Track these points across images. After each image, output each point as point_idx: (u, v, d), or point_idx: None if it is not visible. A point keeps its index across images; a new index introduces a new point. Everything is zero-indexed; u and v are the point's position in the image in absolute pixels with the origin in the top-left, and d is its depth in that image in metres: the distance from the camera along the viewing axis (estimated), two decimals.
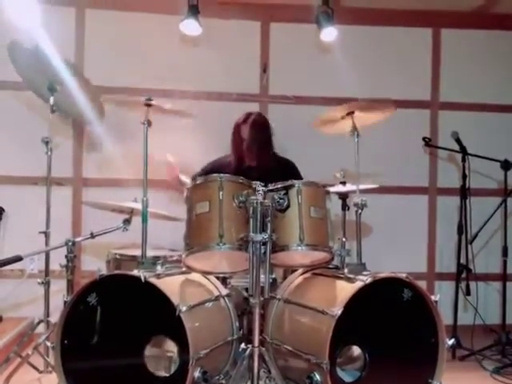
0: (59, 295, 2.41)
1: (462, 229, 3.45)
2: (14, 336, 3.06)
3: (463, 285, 3.45)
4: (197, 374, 2.03)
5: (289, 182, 2.21)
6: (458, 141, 3.43)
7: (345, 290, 2.14)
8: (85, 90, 2.78)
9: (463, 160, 3.45)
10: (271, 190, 2.17)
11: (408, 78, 3.94)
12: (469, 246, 3.46)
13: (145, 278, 2.07)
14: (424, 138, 3.63)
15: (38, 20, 3.23)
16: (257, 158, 3.15)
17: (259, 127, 3.17)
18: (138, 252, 2.50)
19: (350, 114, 2.54)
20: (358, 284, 2.11)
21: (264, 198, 2.09)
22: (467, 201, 3.46)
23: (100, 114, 2.88)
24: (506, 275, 3.46)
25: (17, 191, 3.62)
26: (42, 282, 2.77)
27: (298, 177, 3.10)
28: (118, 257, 2.66)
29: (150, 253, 2.50)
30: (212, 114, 3.53)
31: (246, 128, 3.14)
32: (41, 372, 2.77)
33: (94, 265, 2.25)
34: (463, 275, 3.47)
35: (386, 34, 3.98)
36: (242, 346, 2.15)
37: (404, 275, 2.19)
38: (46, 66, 2.71)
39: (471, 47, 4.02)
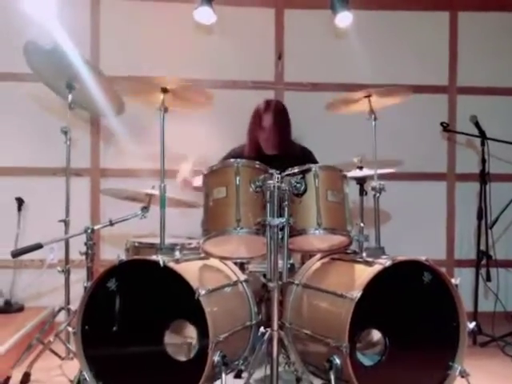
0: (79, 284, 2.45)
1: (481, 214, 3.41)
2: (35, 324, 3.11)
3: (483, 271, 3.41)
4: (216, 357, 2.03)
5: (306, 166, 2.20)
6: (477, 125, 3.39)
7: (364, 273, 2.13)
8: (103, 87, 2.78)
9: (482, 144, 3.41)
10: (288, 175, 2.16)
11: (425, 62, 3.88)
12: (489, 233, 3.42)
13: (164, 262, 2.09)
14: (442, 123, 3.59)
15: (53, 11, 3.26)
16: (277, 147, 3.13)
17: (280, 116, 3.14)
18: (156, 240, 2.51)
19: (368, 96, 2.51)
20: (377, 267, 2.10)
21: (281, 183, 2.08)
22: (487, 186, 3.41)
23: (119, 108, 2.89)
24: None
25: (36, 182, 3.67)
26: (62, 270, 2.80)
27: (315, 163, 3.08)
28: (136, 244, 2.67)
29: (169, 240, 2.51)
30: (227, 102, 3.51)
31: (268, 116, 3.09)
32: (63, 358, 2.80)
33: (113, 254, 2.25)
34: (483, 262, 3.43)
35: (402, 18, 3.92)
36: (261, 330, 2.15)
37: (424, 258, 2.17)
38: (64, 64, 2.71)
39: (489, 30, 3.95)
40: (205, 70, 3.67)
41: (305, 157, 3.14)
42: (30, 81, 3.21)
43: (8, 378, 2.54)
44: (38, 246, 2.48)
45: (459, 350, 2.21)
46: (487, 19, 3.96)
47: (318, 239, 2.28)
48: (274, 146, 3.13)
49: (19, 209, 3.59)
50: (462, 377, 2.20)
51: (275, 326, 2.02)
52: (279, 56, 3.79)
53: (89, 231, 2.54)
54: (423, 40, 3.92)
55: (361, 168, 2.71)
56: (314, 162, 3.14)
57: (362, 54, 3.56)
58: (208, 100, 2.57)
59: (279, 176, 2.11)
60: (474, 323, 2.27)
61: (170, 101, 2.47)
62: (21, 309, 3.47)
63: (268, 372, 2.08)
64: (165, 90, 2.42)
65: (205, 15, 3.27)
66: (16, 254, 2.49)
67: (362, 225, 2.51)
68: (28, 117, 3.67)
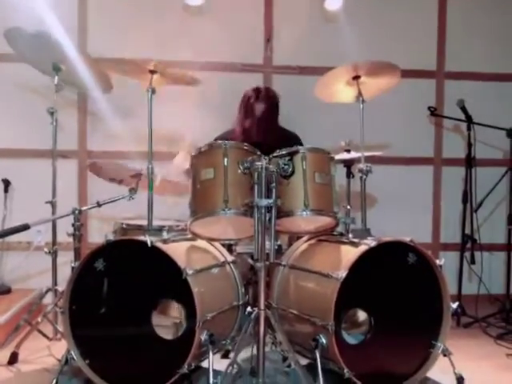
0: (66, 267, 2.45)
1: (466, 198, 3.45)
2: (23, 305, 3.11)
3: (468, 255, 3.46)
4: (203, 336, 2.06)
5: (293, 148, 2.21)
6: (464, 109, 3.41)
7: (349, 253, 2.16)
8: (90, 67, 2.76)
9: (468, 129, 3.44)
10: (276, 157, 2.17)
11: (414, 47, 3.90)
12: (474, 217, 3.47)
13: (151, 242, 2.09)
14: (429, 108, 3.61)
15: None
16: (265, 134, 3.14)
17: (271, 104, 3.16)
18: (144, 222, 2.52)
19: (356, 78, 2.52)
20: (363, 247, 2.12)
21: (269, 164, 2.09)
22: (472, 170, 3.45)
23: (107, 86, 2.87)
24: (511, 245, 3.45)
25: (22, 164, 3.65)
26: (50, 252, 2.80)
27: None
28: (124, 226, 2.65)
29: (156, 223, 2.52)
30: (216, 84, 3.51)
31: (259, 106, 3.11)
32: (50, 339, 2.81)
33: (100, 237, 2.26)
34: (468, 245, 3.49)
35: (391, 2, 3.93)
36: (248, 309, 2.17)
37: (408, 239, 2.20)
38: (50, 47, 2.69)
39: (478, 15, 3.97)
40: (194, 52, 3.64)
41: (290, 141, 3.15)
42: (14, 61, 3.18)
43: None
44: (25, 227, 2.46)
45: (442, 329, 2.25)
46: (476, 4, 3.98)
47: (305, 221, 2.30)
48: (264, 133, 3.13)
49: (6, 190, 3.58)
50: (445, 355, 2.25)
51: (262, 306, 2.04)
52: (268, 39, 3.78)
53: (76, 212, 2.53)
54: (412, 25, 3.93)
55: (348, 151, 2.73)
56: (298, 141, 3.16)
57: (351, 38, 3.56)
58: (194, 81, 2.57)
59: (267, 158, 2.12)
60: (457, 303, 2.32)
61: (158, 80, 2.47)
62: (8, 291, 3.47)
63: (255, 351, 2.10)
64: (152, 72, 2.42)
65: None
66: (3, 234, 2.49)
67: (348, 207, 2.54)
68: (14, 98, 3.63)
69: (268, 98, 3.14)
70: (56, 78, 2.77)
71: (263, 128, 3.12)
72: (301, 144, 3.16)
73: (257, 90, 3.17)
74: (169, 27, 3.69)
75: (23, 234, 2.53)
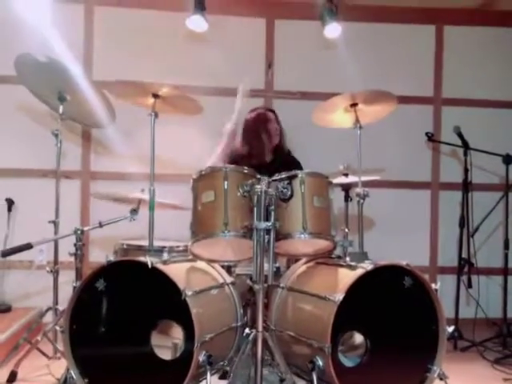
0: (67, 286, 2.49)
1: (463, 222, 3.50)
2: (23, 324, 3.13)
3: (465, 278, 3.49)
4: (202, 357, 2.07)
5: (292, 172, 2.26)
6: (460, 135, 3.48)
7: (346, 276, 2.19)
8: (96, 97, 2.83)
9: (465, 154, 3.50)
10: (275, 180, 2.22)
11: (411, 74, 3.99)
12: (471, 241, 3.51)
13: (152, 263, 2.13)
14: (427, 133, 3.68)
15: (47, 20, 3.31)
16: (273, 152, 3.24)
17: (279, 124, 3.30)
18: (144, 242, 2.56)
19: (354, 105, 2.59)
20: (360, 271, 2.16)
21: (268, 188, 2.14)
22: (469, 195, 3.50)
23: (111, 118, 2.94)
24: (508, 269, 3.48)
25: (26, 184, 3.70)
26: (51, 271, 2.84)
27: None
28: (125, 247, 2.69)
29: (157, 243, 2.56)
30: (218, 108, 3.56)
31: (273, 121, 3.27)
32: (50, 358, 2.83)
33: (102, 257, 2.29)
34: (465, 269, 3.51)
35: (390, 30, 4.03)
36: (246, 330, 2.20)
37: (405, 263, 2.23)
38: (57, 76, 2.76)
39: (474, 44, 4.07)
40: (196, 77, 3.73)
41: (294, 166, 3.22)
42: (19, 83, 3.25)
43: None
44: (28, 246, 2.51)
45: (438, 352, 2.27)
46: (472, 33, 4.08)
47: (303, 243, 2.34)
48: (272, 151, 3.24)
49: (9, 209, 3.62)
50: (441, 379, 2.26)
51: (260, 327, 2.07)
52: (269, 65, 3.87)
53: (78, 232, 2.57)
54: (410, 52, 4.02)
55: (346, 175, 2.78)
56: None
57: (350, 65, 3.64)
58: (197, 106, 2.63)
59: (267, 181, 2.16)
60: (453, 327, 2.35)
61: (160, 105, 2.54)
62: (8, 309, 3.48)
63: (253, 373, 2.12)
64: (156, 96, 2.49)
65: (197, 23, 3.34)
66: (6, 253, 2.51)
67: (346, 230, 2.58)
68: (18, 118, 3.70)
69: (277, 117, 3.31)
70: (61, 107, 2.83)
71: (275, 144, 3.24)
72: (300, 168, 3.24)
73: (266, 109, 3.37)
74: (172, 54, 3.79)
75: (25, 252, 2.57)
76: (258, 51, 3.91)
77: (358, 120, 2.60)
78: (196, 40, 3.75)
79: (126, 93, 2.56)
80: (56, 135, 2.87)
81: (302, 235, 2.20)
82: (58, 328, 2.34)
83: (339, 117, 2.73)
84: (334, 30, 3.39)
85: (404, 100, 3.78)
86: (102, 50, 3.79)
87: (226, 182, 2.18)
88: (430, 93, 4.04)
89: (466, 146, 3.49)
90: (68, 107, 2.87)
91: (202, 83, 3.74)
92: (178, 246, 2.61)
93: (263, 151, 3.23)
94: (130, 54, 3.77)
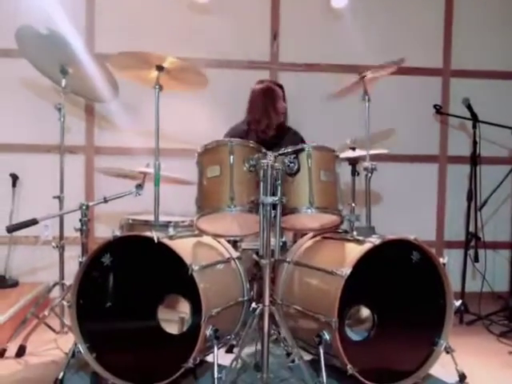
0: (73, 261, 2.49)
1: (471, 196, 3.46)
2: (30, 299, 3.15)
3: (472, 252, 3.47)
4: (209, 331, 2.09)
5: (299, 146, 2.23)
6: (469, 107, 3.42)
7: (354, 251, 2.17)
8: (99, 70, 2.78)
9: (474, 127, 3.45)
10: (281, 154, 2.19)
11: (420, 45, 3.89)
12: (478, 215, 3.48)
13: (158, 238, 2.12)
14: (435, 106, 3.62)
15: None
16: (276, 128, 3.19)
17: (283, 93, 3.24)
18: (150, 217, 2.54)
19: (362, 77, 2.53)
20: (367, 245, 2.14)
21: (274, 162, 2.11)
22: (477, 168, 3.46)
23: (114, 92, 2.90)
24: None
25: (30, 159, 3.67)
26: (57, 246, 2.84)
27: None
28: (130, 222, 2.70)
29: (163, 218, 2.54)
30: (222, 81, 3.52)
31: (280, 94, 3.20)
32: (57, 332, 2.85)
33: (107, 232, 2.28)
34: (472, 243, 3.49)
35: (398, 0, 3.91)
36: (253, 305, 2.20)
37: (413, 237, 2.22)
38: (59, 49, 2.71)
39: (484, 13, 3.95)
40: (200, 48, 3.66)
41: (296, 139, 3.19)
42: (22, 57, 3.20)
43: (4, 351, 2.58)
44: (34, 222, 2.50)
45: (445, 326, 2.28)
46: (482, 3, 3.95)
47: (309, 218, 2.32)
48: (272, 128, 3.18)
49: (14, 185, 3.61)
50: (447, 352, 2.27)
51: (266, 302, 2.06)
52: (274, 36, 3.79)
53: (84, 208, 2.56)
54: (418, 23, 3.91)
55: (353, 149, 2.75)
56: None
57: (357, 36, 3.57)
58: (202, 80, 2.58)
59: (273, 155, 2.13)
60: (460, 301, 2.35)
61: (165, 80, 2.48)
62: (15, 284, 3.50)
63: (259, 347, 2.13)
64: (160, 68, 2.44)
65: None
66: (11, 229, 2.51)
67: (353, 205, 2.56)
68: (21, 93, 3.65)
69: (281, 88, 3.24)
70: (63, 80, 2.79)
71: (276, 122, 3.18)
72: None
73: (273, 82, 3.30)
74: (175, 25, 3.70)
75: (31, 228, 2.57)
76: (262, 22, 3.81)
77: (366, 92, 2.54)
78: (199, 11, 3.67)
79: (129, 65, 2.49)
80: (59, 109, 2.84)
81: (309, 210, 2.18)
82: (65, 303, 2.35)
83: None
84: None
85: (412, 71, 3.73)
86: (104, 22, 3.70)
87: (231, 157, 2.16)
88: (439, 64, 3.95)
89: (475, 118, 3.43)
90: (70, 81, 2.82)
91: (205, 55, 3.67)
92: (183, 221, 2.61)
93: (268, 127, 3.17)
94: (132, 26, 3.69)
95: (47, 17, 3.19)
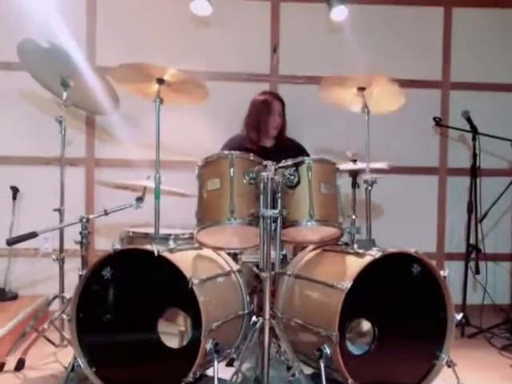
0: (73, 273, 2.48)
1: (471, 208, 3.46)
2: (29, 312, 3.14)
3: (472, 264, 3.46)
4: (209, 345, 2.07)
5: (299, 159, 2.23)
6: (469, 120, 3.43)
7: (354, 264, 2.17)
8: (100, 83, 2.80)
9: (474, 139, 3.45)
10: (281, 167, 2.19)
11: (419, 57, 3.91)
12: (478, 227, 3.47)
13: (158, 251, 2.12)
14: (435, 118, 3.64)
15: (50, 2, 3.26)
16: (276, 137, 3.21)
17: (283, 106, 3.25)
18: (150, 230, 2.54)
19: (361, 89, 2.54)
20: (368, 258, 2.14)
21: (274, 175, 2.11)
22: (477, 180, 3.46)
23: (115, 105, 2.91)
24: None
25: (31, 171, 3.68)
26: (57, 259, 2.83)
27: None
28: (131, 234, 2.68)
29: (163, 231, 2.54)
30: (222, 94, 3.53)
31: (277, 103, 3.22)
32: (57, 346, 2.84)
33: (107, 245, 2.28)
34: (473, 255, 3.49)
35: (397, 13, 3.94)
36: (253, 319, 2.19)
37: (413, 250, 2.21)
38: (60, 62, 2.73)
39: (482, 26, 3.98)
40: (200, 61, 3.69)
41: (298, 151, 3.19)
42: (23, 69, 3.22)
43: (3, 364, 2.57)
44: (34, 235, 2.50)
45: (446, 340, 2.26)
46: (481, 15, 3.99)
47: (310, 231, 2.32)
48: (276, 133, 3.21)
49: (14, 197, 3.61)
50: (449, 366, 2.25)
51: (267, 315, 2.06)
52: (274, 49, 3.81)
53: (84, 220, 2.56)
54: (418, 35, 3.94)
55: (355, 161, 2.75)
56: (306, 154, 3.20)
57: (357, 48, 3.58)
58: (203, 92, 2.59)
59: (273, 168, 2.13)
60: (461, 314, 2.34)
61: (165, 92, 2.49)
62: (15, 297, 3.49)
63: (259, 361, 2.11)
64: (160, 81, 2.45)
65: (201, 7, 3.30)
66: (11, 242, 2.51)
67: (353, 217, 2.55)
68: (22, 105, 3.67)
69: (281, 100, 3.25)
70: (64, 94, 2.80)
71: (279, 127, 3.21)
72: (307, 154, 3.20)
73: (269, 92, 3.33)
74: (176, 38, 3.74)
75: (30, 240, 2.57)
76: (263, 35, 3.84)
77: (366, 105, 2.55)
78: (201, 23, 3.70)
79: (130, 78, 2.49)
80: (60, 122, 2.85)
81: (309, 222, 2.17)
82: (64, 316, 2.34)
83: (347, 97, 2.66)
84: (340, 12, 3.34)
85: (411, 84, 3.74)
86: (105, 35, 3.73)
87: (231, 169, 2.16)
88: (438, 77, 3.97)
89: (474, 130, 3.44)
90: (71, 93, 2.84)
91: (206, 68, 3.70)
92: (183, 234, 2.60)
93: (258, 138, 3.19)
94: (133, 39, 3.71)
95: (48, 30, 3.20)
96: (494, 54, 3.98)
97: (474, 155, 3.45)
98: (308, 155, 3.18)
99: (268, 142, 3.23)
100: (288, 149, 3.12)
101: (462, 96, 3.94)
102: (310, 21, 3.82)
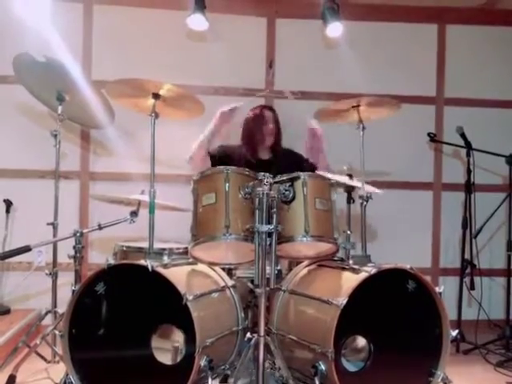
0: (66, 287, 2.45)
1: (466, 223, 3.47)
2: (22, 327, 3.10)
3: (467, 280, 3.46)
4: (203, 362, 2.06)
5: (294, 174, 2.23)
6: (463, 136, 3.45)
7: (349, 280, 2.16)
8: (95, 97, 2.81)
9: (468, 155, 3.47)
10: (277, 182, 2.19)
11: (413, 73, 3.95)
12: (473, 242, 3.48)
13: (152, 267, 2.10)
14: (429, 134, 3.66)
15: (46, 18, 3.27)
16: (272, 148, 3.21)
17: (277, 118, 3.25)
18: (144, 244, 2.53)
19: (356, 107, 2.55)
20: (363, 275, 2.13)
21: (270, 190, 2.10)
22: (472, 196, 3.47)
23: (110, 119, 2.92)
24: (511, 270, 3.44)
25: (24, 185, 3.66)
26: (50, 273, 2.81)
27: (313, 166, 3.14)
28: (124, 249, 2.68)
29: (157, 245, 2.52)
30: (218, 108, 3.53)
31: (270, 115, 3.21)
32: (48, 362, 2.81)
33: (101, 258, 2.27)
34: (467, 270, 3.49)
35: (392, 29, 3.98)
36: (248, 335, 2.17)
37: (408, 266, 2.21)
38: (56, 76, 2.74)
39: (476, 43, 4.03)
40: (196, 76, 3.70)
41: (297, 161, 3.18)
42: (18, 83, 3.22)
43: None
44: (27, 249, 2.48)
45: (442, 357, 2.25)
46: (475, 32, 4.03)
47: (305, 246, 2.31)
48: (273, 141, 3.20)
49: (7, 211, 3.58)
50: (445, 383, 2.24)
51: (262, 332, 2.04)
52: (270, 64, 3.83)
53: (78, 235, 2.55)
54: (412, 52, 3.98)
55: (350, 176, 2.75)
56: (308, 162, 3.19)
57: (352, 64, 3.60)
58: (198, 108, 2.59)
59: (268, 182, 2.13)
60: (456, 331, 2.32)
61: (161, 107, 2.49)
62: (7, 311, 3.45)
63: (254, 377, 2.09)
64: (156, 96, 2.45)
65: (198, 22, 3.30)
66: (4, 256, 2.50)
67: (348, 232, 2.54)
68: (17, 119, 3.66)
69: (275, 112, 3.25)
70: (60, 107, 2.80)
71: (274, 138, 3.20)
72: (307, 162, 3.19)
73: (263, 105, 3.31)
74: (172, 53, 3.75)
75: (24, 254, 2.55)
76: (258, 50, 3.87)
77: (360, 120, 2.56)
78: (197, 39, 3.72)
79: (125, 92, 2.50)
80: (55, 136, 2.85)
81: (304, 238, 2.17)
82: (57, 333, 2.31)
83: (342, 117, 2.68)
84: (335, 29, 3.36)
85: (406, 100, 3.74)
86: (101, 49, 3.74)
87: (227, 184, 2.16)
88: (433, 93, 4.00)
89: (468, 146, 3.46)
90: (67, 107, 2.84)
91: (202, 83, 3.70)
92: (178, 248, 2.59)
93: (255, 152, 3.19)
94: (129, 53, 3.73)
95: (44, 44, 3.21)
96: (488, 70, 4.02)
97: (469, 171, 3.47)
98: (308, 163, 3.18)
99: (266, 155, 3.22)
100: (286, 159, 3.12)
101: (456, 112, 3.97)
102: (306, 36, 3.85)
